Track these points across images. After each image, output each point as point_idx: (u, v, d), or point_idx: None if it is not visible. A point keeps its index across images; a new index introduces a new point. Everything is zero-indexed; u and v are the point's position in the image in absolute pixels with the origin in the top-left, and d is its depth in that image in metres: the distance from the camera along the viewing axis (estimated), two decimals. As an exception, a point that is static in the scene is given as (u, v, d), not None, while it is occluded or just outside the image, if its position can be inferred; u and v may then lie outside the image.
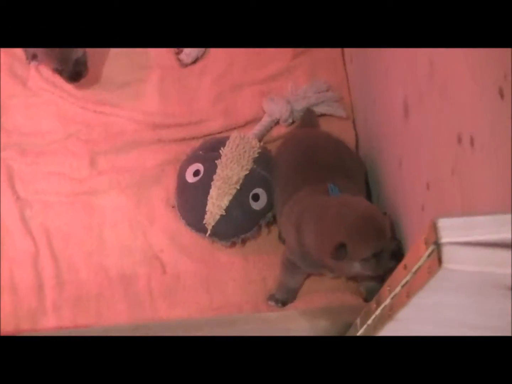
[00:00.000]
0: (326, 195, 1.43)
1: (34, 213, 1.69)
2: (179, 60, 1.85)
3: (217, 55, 1.87)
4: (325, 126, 1.76)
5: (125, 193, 1.71)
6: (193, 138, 1.76)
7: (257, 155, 1.62)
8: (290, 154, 1.61)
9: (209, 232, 1.59)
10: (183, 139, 1.76)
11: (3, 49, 1.82)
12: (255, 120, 1.77)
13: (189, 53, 1.84)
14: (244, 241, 1.63)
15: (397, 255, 1.34)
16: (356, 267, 1.37)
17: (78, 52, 1.71)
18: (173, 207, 1.67)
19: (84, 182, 1.73)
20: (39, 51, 1.74)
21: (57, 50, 1.68)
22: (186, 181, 1.62)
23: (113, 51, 1.86)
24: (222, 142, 1.64)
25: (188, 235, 1.65)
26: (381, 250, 1.34)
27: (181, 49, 1.84)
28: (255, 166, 1.60)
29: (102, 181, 1.73)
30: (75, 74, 1.73)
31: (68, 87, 1.79)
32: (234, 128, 1.76)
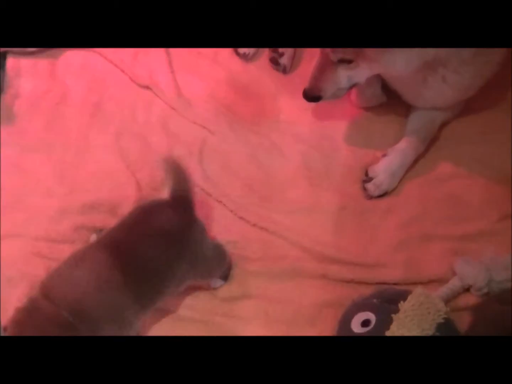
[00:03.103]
0: None
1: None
2: (365, 189, 1.64)
3: (410, 192, 1.65)
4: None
5: (271, 328, 1.48)
6: (364, 282, 1.52)
7: (442, 321, 1.34)
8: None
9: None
10: (351, 281, 1.53)
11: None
12: (441, 280, 1.51)
13: (379, 184, 1.62)
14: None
15: None
16: None
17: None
18: (325, 356, 1.39)
19: (226, 302, 1.51)
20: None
21: None
22: (351, 330, 1.37)
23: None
24: (402, 295, 1.38)
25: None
26: None
27: (370, 177, 1.62)
28: (437, 334, 1.33)
29: (247, 307, 1.51)
30: None
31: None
32: (415, 283, 1.49)
